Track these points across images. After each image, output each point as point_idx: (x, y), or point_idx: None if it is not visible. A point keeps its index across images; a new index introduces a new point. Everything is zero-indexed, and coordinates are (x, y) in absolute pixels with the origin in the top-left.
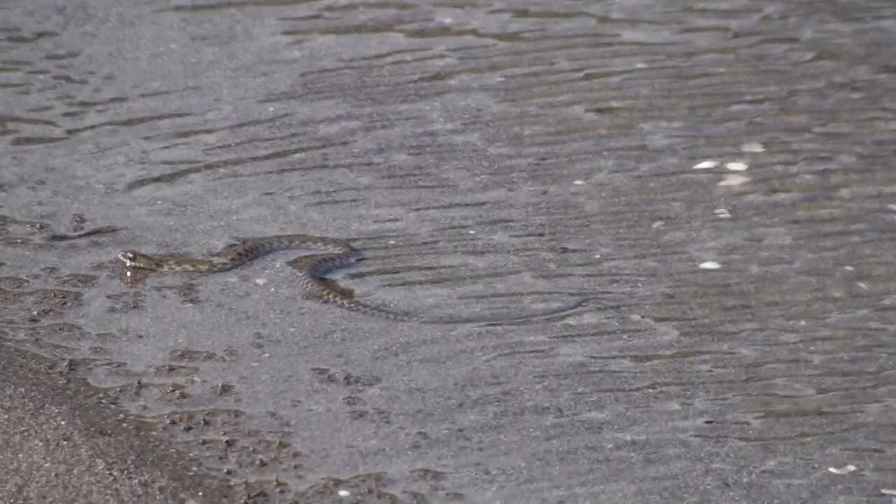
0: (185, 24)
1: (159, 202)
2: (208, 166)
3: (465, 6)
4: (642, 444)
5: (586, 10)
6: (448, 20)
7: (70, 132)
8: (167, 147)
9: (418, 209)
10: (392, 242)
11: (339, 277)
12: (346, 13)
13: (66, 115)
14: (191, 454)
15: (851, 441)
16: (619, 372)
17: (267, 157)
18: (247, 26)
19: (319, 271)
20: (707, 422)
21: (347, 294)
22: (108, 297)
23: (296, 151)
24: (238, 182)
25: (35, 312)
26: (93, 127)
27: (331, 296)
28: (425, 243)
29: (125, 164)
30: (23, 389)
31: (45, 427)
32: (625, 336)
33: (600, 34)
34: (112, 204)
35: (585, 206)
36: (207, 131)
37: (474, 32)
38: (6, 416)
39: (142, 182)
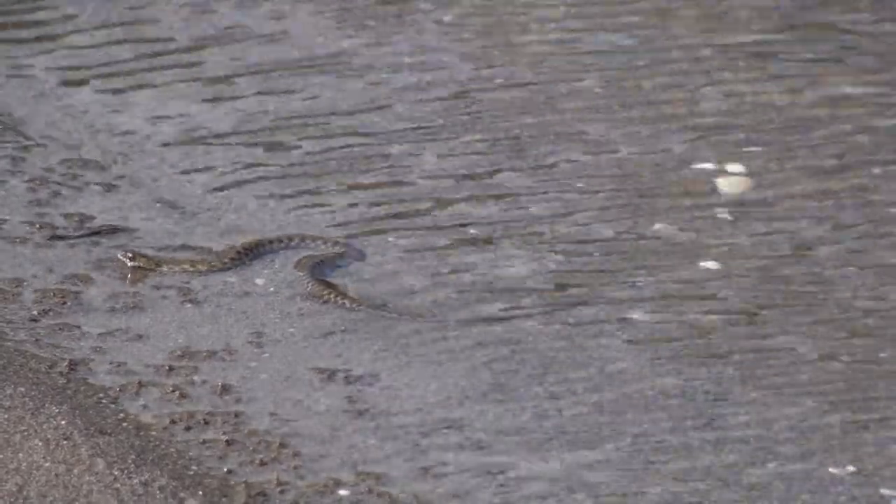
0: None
1: (158, 204)
2: (207, 166)
3: None
4: (642, 445)
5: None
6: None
7: (69, 133)
8: (166, 147)
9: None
10: (390, 240)
11: (339, 276)
12: None
13: (64, 115)
14: (191, 454)
15: (851, 441)
16: (619, 371)
17: (266, 158)
18: None
19: (320, 271)
20: (706, 422)
21: (348, 293)
22: (108, 296)
23: (296, 149)
24: (236, 183)
25: (35, 312)
26: (92, 127)
27: (331, 295)
28: (424, 242)
29: (124, 164)
30: (23, 389)
31: (45, 426)
32: (624, 335)
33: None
34: (112, 204)
35: (586, 207)
36: (207, 129)
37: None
38: (6, 416)
39: (142, 183)
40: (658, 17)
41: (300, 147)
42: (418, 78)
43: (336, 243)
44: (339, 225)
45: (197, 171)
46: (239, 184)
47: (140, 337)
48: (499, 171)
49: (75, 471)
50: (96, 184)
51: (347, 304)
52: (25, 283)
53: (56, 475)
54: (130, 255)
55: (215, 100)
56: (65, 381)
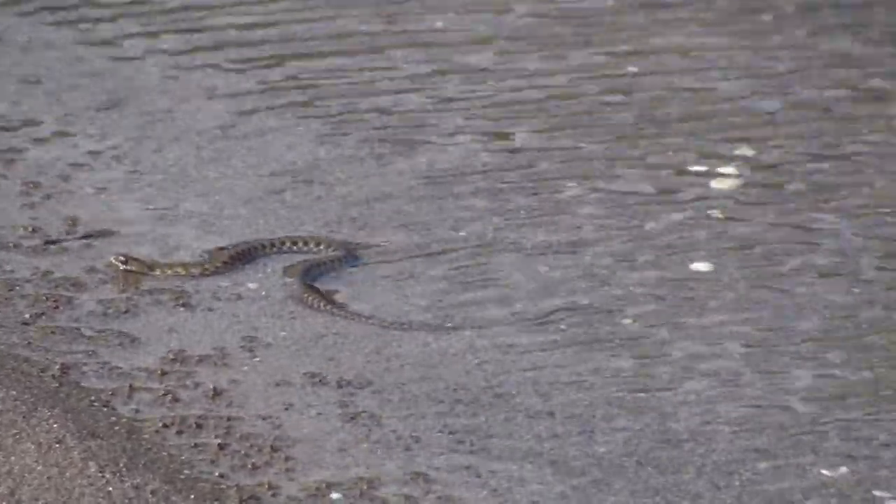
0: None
1: (151, 207)
2: (201, 169)
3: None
4: (634, 447)
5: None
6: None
7: (63, 135)
8: (159, 150)
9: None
10: (383, 243)
11: (334, 280)
12: None
13: (57, 117)
14: (183, 457)
15: (844, 443)
16: (610, 375)
17: (257, 160)
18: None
19: (311, 276)
20: (698, 424)
21: (329, 298)
22: (101, 300)
23: (288, 155)
24: (232, 183)
25: (27, 316)
26: (86, 130)
27: (312, 299)
28: (418, 246)
29: (118, 167)
30: (15, 392)
31: (37, 430)
32: (616, 339)
33: (592, 35)
34: (105, 208)
35: (578, 209)
36: (198, 133)
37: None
38: None
39: (135, 186)
40: (655, 26)
41: (294, 149)
42: None
43: (331, 245)
44: (333, 228)
45: (190, 173)
46: (232, 187)
47: (132, 340)
48: (490, 170)
49: (67, 474)
50: (89, 187)
51: (326, 308)
52: (18, 287)
53: (48, 478)
54: (123, 258)
55: (209, 102)
56: (57, 385)
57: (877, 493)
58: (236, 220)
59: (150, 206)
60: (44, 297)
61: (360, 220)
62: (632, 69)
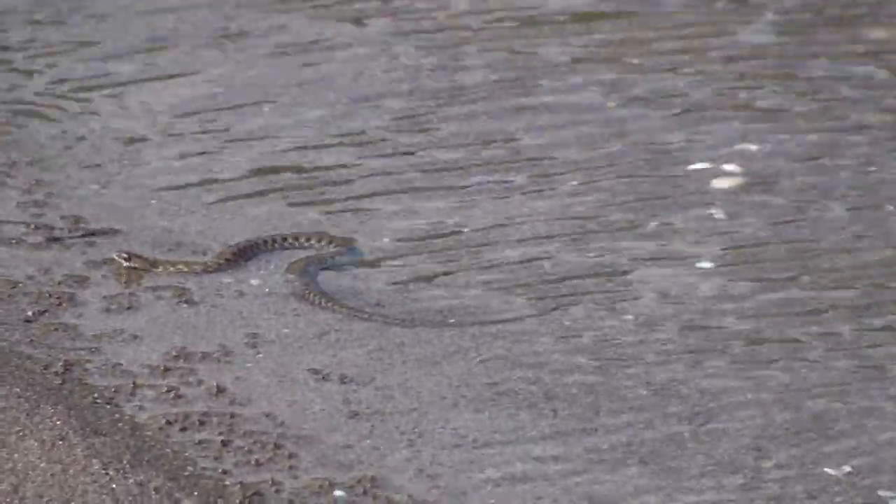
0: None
1: (153, 202)
2: (202, 166)
3: None
4: (637, 445)
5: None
6: None
7: (65, 131)
8: (160, 146)
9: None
10: (386, 240)
11: (336, 276)
12: None
13: (61, 114)
14: (186, 454)
15: (848, 442)
16: (613, 372)
17: (259, 157)
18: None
19: (314, 272)
20: (701, 423)
21: (332, 295)
22: (104, 297)
23: (285, 150)
24: (231, 182)
25: (30, 313)
26: (87, 126)
27: (315, 295)
28: (421, 240)
29: (119, 164)
30: (18, 390)
31: (40, 427)
32: (619, 335)
33: (591, 31)
34: (107, 204)
35: (580, 207)
36: (202, 130)
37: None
38: (1, 417)
39: (137, 183)
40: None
41: (293, 150)
42: None
43: (332, 241)
44: (335, 225)
45: (193, 171)
46: (235, 185)
47: (135, 337)
48: (496, 170)
49: (71, 471)
50: (92, 184)
51: (324, 304)
52: (21, 284)
53: (52, 475)
54: (126, 255)
55: (209, 99)
56: (60, 382)
57: (881, 492)
58: (235, 219)
59: (153, 202)
60: (47, 295)
61: (362, 214)
62: (633, 60)
